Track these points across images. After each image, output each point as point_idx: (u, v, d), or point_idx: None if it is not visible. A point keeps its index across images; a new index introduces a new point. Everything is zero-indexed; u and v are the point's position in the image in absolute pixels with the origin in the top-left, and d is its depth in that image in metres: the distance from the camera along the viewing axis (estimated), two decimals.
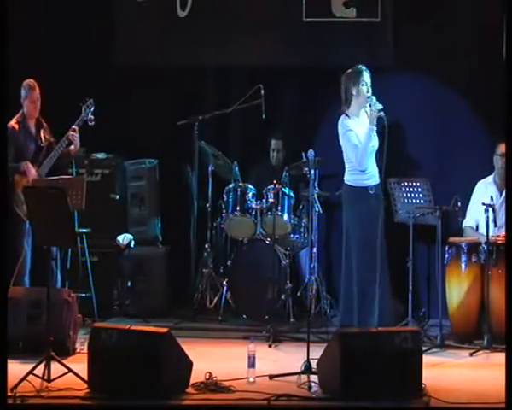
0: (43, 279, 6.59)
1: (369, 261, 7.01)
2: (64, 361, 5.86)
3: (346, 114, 7.16)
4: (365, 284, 7.02)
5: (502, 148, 7.54)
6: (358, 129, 7.12)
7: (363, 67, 7.18)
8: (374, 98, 7.06)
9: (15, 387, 5.44)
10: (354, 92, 7.14)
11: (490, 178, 7.85)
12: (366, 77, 7.14)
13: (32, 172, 7.62)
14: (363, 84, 7.13)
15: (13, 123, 7.69)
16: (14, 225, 7.37)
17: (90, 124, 7.82)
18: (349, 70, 7.22)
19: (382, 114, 6.97)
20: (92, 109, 7.82)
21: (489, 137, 8.18)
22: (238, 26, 8.85)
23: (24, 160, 7.64)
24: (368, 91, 7.11)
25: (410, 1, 8.53)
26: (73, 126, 7.74)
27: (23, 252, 7.51)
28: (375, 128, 7.06)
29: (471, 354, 6.89)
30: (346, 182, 7.21)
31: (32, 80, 7.74)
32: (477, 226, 7.80)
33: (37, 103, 7.74)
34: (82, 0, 8.82)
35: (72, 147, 7.79)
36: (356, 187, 7.14)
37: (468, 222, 7.83)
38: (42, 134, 7.80)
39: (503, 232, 7.23)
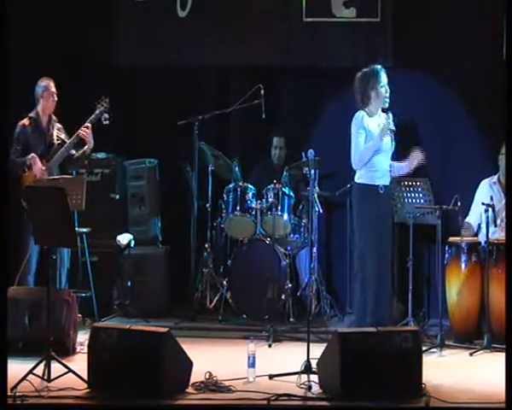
0: (46, 279, 6.59)
1: (383, 262, 7.05)
2: (64, 361, 5.86)
3: (365, 111, 7.19)
4: (379, 285, 7.04)
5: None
6: (375, 128, 7.17)
7: (379, 67, 7.22)
8: (391, 116, 7.11)
9: (15, 387, 5.45)
10: (373, 94, 7.17)
11: (494, 177, 7.84)
12: (384, 77, 7.19)
13: (38, 165, 7.60)
14: (381, 86, 7.18)
15: (24, 121, 7.73)
16: (20, 222, 7.35)
17: (104, 123, 7.82)
18: (365, 69, 7.26)
19: (391, 136, 7.09)
20: (107, 108, 7.81)
21: (489, 136, 8.17)
22: (238, 26, 8.85)
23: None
24: (386, 92, 7.17)
25: (410, 1, 8.54)
26: (86, 123, 7.74)
27: (28, 250, 7.50)
28: (383, 140, 7.11)
29: (471, 354, 6.89)
30: (356, 181, 7.23)
31: (48, 77, 7.77)
32: (479, 225, 7.78)
33: (54, 98, 7.76)
34: (82, 0, 8.82)
35: (86, 147, 7.79)
36: (367, 185, 7.15)
37: (469, 219, 7.81)
38: (55, 133, 7.80)
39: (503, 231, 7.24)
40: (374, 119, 7.24)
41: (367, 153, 7.13)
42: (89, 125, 7.74)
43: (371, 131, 7.16)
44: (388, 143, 7.22)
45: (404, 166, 7.34)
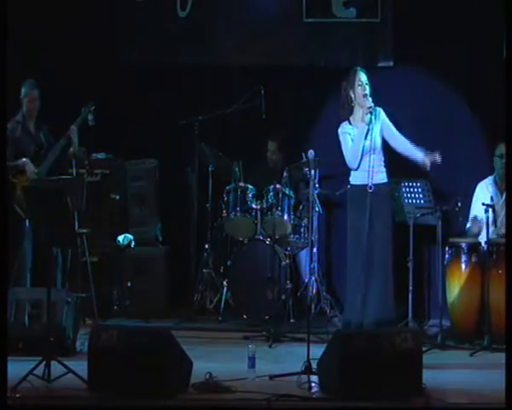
0: (43, 279, 6.59)
1: (379, 262, 7.02)
2: (64, 361, 5.86)
3: (349, 121, 7.10)
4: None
5: (501, 148, 7.57)
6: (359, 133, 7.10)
7: (358, 68, 7.12)
8: (370, 99, 7.00)
9: (15, 387, 5.45)
10: (352, 95, 7.07)
11: (490, 179, 7.85)
12: (361, 77, 7.06)
13: (31, 168, 7.60)
14: (359, 84, 7.06)
15: (11, 123, 7.69)
16: (14, 224, 7.36)
17: (90, 124, 7.82)
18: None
19: (369, 110, 6.95)
20: (92, 109, 7.81)
21: (489, 137, 8.18)
22: (238, 26, 8.86)
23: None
24: (365, 91, 7.04)
25: (410, 1, 8.54)
26: (72, 126, 7.74)
27: (22, 252, 7.50)
28: (368, 127, 7.00)
29: (471, 354, 6.89)
30: (350, 182, 7.18)
31: (31, 80, 7.73)
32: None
33: (35, 103, 7.73)
34: (82, 1, 8.82)
35: (71, 149, 7.80)
36: (357, 185, 7.10)
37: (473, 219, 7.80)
38: (42, 134, 7.80)
39: (503, 232, 7.23)
40: (359, 126, 7.12)
41: (356, 145, 7.05)
42: (74, 127, 7.73)
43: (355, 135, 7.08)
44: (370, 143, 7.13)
45: (421, 157, 7.03)
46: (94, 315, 7.88)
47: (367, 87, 7.04)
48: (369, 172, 6.97)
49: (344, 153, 7.09)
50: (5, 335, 5.54)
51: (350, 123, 7.07)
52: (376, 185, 7.05)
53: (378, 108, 7.05)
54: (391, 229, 7.16)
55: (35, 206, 5.98)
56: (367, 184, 7.02)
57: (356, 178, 7.10)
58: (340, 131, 7.11)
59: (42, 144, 7.77)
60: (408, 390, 5.48)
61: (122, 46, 8.97)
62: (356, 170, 7.06)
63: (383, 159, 7.16)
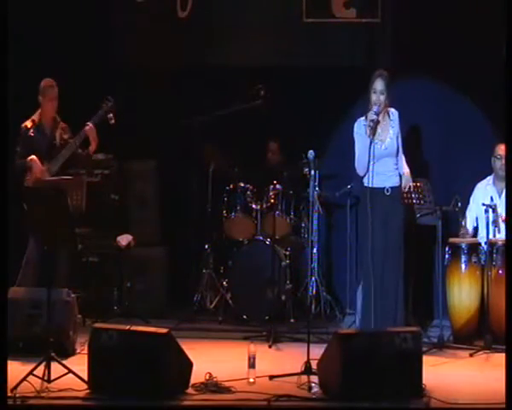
0: (43, 279, 6.59)
1: (389, 264, 6.93)
2: (64, 362, 5.86)
3: (366, 116, 6.99)
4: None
5: (499, 149, 7.57)
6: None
7: (378, 72, 6.97)
8: (375, 108, 6.88)
9: (15, 387, 5.44)
10: (370, 99, 6.97)
11: (489, 179, 7.84)
12: (375, 84, 6.93)
13: (39, 166, 7.52)
14: (374, 92, 6.94)
15: (27, 122, 7.64)
16: (23, 224, 7.31)
17: (110, 122, 7.70)
18: None
19: (370, 123, 6.83)
20: (112, 106, 7.65)
21: (489, 137, 8.18)
22: (238, 26, 8.88)
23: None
24: (378, 100, 6.90)
25: (410, 1, 8.54)
26: (89, 123, 7.60)
27: (31, 251, 7.47)
28: (370, 139, 6.88)
29: (471, 355, 6.89)
30: (364, 184, 6.98)
31: (50, 79, 7.67)
32: (476, 228, 7.77)
33: (54, 102, 7.65)
34: (82, 1, 8.82)
35: (90, 147, 7.66)
36: (372, 188, 6.94)
37: (466, 224, 7.79)
38: (58, 134, 7.70)
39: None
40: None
41: (361, 154, 6.96)
42: (91, 124, 7.64)
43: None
44: (386, 144, 7.05)
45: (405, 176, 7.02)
46: (94, 315, 7.88)
47: (381, 97, 6.90)
48: (385, 175, 6.90)
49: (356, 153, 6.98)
50: (5, 335, 5.54)
51: (367, 119, 6.95)
52: (391, 188, 6.93)
53: (395, 111, 7.00)
54: (402, 233, 7.03)
55: (35, 206, 5.98)
56: (384, 188, 6.89)
57: (370, 181, 6.93)
58: (355, 128, 6.98)
59: (55, 144, 7.68)
60: (408, 390, 5.48)
61: (122, 46, 8.98)
62: (362, 177, 6.93)
63: (397, 162, 7.05)
